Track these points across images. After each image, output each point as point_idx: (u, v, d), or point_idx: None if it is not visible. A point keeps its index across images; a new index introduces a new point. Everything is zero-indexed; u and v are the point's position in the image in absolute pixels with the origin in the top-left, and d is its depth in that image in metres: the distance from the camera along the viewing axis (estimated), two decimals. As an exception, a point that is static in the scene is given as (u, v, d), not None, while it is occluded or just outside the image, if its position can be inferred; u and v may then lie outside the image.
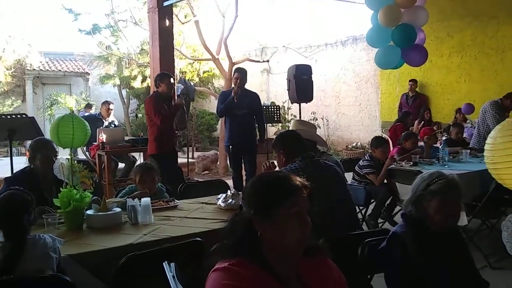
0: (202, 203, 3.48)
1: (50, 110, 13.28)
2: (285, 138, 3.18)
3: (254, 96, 6.23)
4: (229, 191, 3.43)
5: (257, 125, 6.22)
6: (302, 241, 1.46)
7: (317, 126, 11.36)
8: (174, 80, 5.66)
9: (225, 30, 10.32)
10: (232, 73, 6.08)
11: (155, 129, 5.56)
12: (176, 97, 6.16)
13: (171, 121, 5.64)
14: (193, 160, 9.68)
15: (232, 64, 10.18)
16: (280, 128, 10.55)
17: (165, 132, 5.55)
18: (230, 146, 6.04)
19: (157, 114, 5.40)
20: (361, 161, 5.23)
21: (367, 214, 4.83)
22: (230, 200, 3.24)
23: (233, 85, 6.00)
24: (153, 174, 3.58)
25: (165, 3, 6.59)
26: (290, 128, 3.94)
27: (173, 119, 5.70)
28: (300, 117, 8.35)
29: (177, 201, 3.46)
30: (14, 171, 3.72)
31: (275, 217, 1.44)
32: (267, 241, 1.46)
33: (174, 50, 7.38)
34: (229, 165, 6.46)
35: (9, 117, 4.86)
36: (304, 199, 1.48)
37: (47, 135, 3.51)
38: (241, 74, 5.98)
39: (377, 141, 5.25)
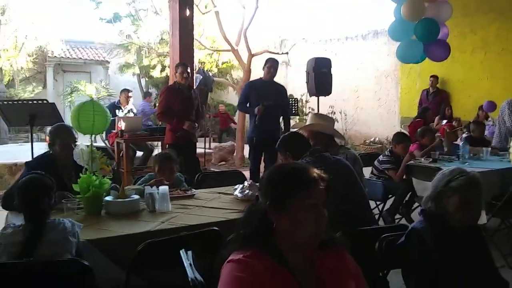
0: (219, 193, 3.48)
1: (71, 97, 13.44)
2: (288, 140, 3.22)
3: (281, 89, 6.14)
4: (246, 181, 3.43)
5: (282, 118, 6.12)
6: (317, 234, 1.44)
7: (335, 120, 11.35)
8: (187, 69, 5.61)
9: (245, 21, 10.28)
10: (264, 63, 5.97)
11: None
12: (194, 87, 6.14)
13: (187, 113, 5.64)
14: (210, 151, 9.71)
15: (251, 55, 10.15)
16: (297, 121, 10.51)
17: (182, 124, 5.57)
18: (254, 138, 5.90)
19: (159, 106, 5.64)
20: (381, 156, 5.20)
21: (384, 210, 4.80)
22: (247, 191, 3.24)
23: (265, 75, 5.87)
24: (172, 164, 3.59)
25: (186, -7, 6.59)
26: (308, 122, 3.90)
27: (191, 111, 5.70)
28: (318, 110, 8.30)
29: (194, 190, 3.48)
30: (35, 156, 3.77)
31: (289, 208, 1.43)
32: (281, 232, 1.46)
33: (194, 40, 7.38)
34: (247, 157, 6.37)
35: (30, 102, 4.93)
36: (321, 192, 1.46)
37: (67, 122, 3.55)
38: (275, 64, 5.88)
39: (399, 137, 5.21)
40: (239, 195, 3.25)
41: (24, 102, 5.09)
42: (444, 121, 8.46)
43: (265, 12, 11.74)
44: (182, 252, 1.96)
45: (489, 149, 5.40)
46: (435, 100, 9.67)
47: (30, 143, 4.74)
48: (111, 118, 3.42)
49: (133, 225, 2.62)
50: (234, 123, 12.57)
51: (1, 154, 8.11)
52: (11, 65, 13.14)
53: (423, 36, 5.62)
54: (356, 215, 2.83)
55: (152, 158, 3.87)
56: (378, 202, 4.72)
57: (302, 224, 1.42)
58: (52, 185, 2.33)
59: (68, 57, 16.56)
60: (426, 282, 2.01)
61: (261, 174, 5.80)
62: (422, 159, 5.03)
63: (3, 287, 1.99)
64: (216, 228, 2.42)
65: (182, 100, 5.57)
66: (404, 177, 5.03)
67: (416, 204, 4.99)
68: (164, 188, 2.97)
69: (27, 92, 13.89)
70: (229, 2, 11.03)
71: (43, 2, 14.38)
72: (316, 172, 1.50)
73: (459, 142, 5.85)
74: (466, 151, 5.11)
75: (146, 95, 12.20)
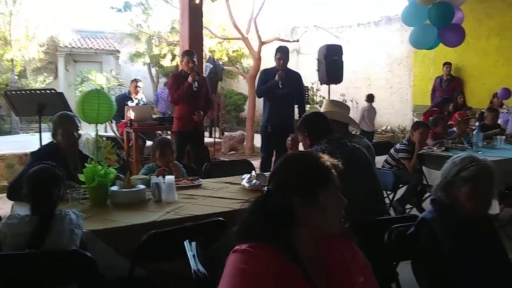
0: (226, 182, 3.45)
1: (81, 87, 13.48)
2: (309, 120, 3.10)
3: (297, 76, 6.09)
4: (253, 171, 3.38)
5: (297, 106, 6.05)
6: (342, 219, 1.46)
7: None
8: (193, 58, 5.55)
9: (255, 9, 10.19)
10: (274, 53, 5.90)
11: (178, 107, 5.61)
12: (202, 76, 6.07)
13: (195, 101, 5.59)
14: (219, 140, 9.68)
15: (261, 43, 10.06)
16: (309, 109, 10.42)
17: (188, 111, 5.54)
18: (268, 127, 5.85)
19: (171, 93, 5.61)
20: (398, 144, 5.11)
21: (394, 199, 4.73)
22: (255, 181, 3.20)
23: (276, 65, 5.83)
24: (172, 148, 3.59)
25: (196, -19, 6.51)
26: (322, 109, 3.80)
27: (198, 99, 5.65)
28: (329, 98, 8.21)
29: (201, 180, 3.44)
30: (40, 146, 3.76)
31: (320, 199, 1.41)
32: (306, 225, 1.43)
33: (204, 28, 7.32)
34: (260, 146, 6.31)
35: (38, 92, 4.92)
36: (337, 177, 1.47)
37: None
38: (284, 54, 5.83)
39: (416, 124, 5.15)
40: (246, 185, 3.21)
41: (32, 91, 5.08)
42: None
43: (276, -1, 11.63)
44: (186, 243, 1.92)
45: (504, 137, 5.29)
46: (449, 87, 9.51)
47: (39, 133, 4.73)
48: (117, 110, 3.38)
49: (138, 215, 2.60)
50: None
51: (12, 144, 8.19)
52: (22, 56, 13.18)
53: (437, 20, 5.49)
54: (370, 205, 2.76)
55: (151, 146, 3.83)
56: (388, 192, 4.65)
57: (333, 211, 1.43)
58: (62, 176, 2.31)
59: (79, 47, 16.59)
60: (437, 273, 1.96)
61: (272, 164, 5.75)
62: (435, 148, 4.94)
63: (7, 278, 1.98)
64: (222, 219, 2.38)
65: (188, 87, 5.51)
66: (418, 167, 4.95)
67: (428, 194, 4.91)
68: (170, 178, 2.94)
69: (38, 83, 13.95)
70: (239, -10, 10.93)
71: (53, -9, 14.39)
72: (327, 158, 1.50)
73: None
74: (480, 139, 5.01)
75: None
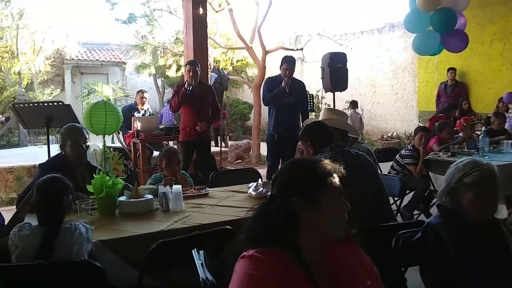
0: (233, 191, 3.46)
1: (88, 98, 13.58)
2: (311, 130, 3.14)
3: (301, 85, 6.15)
4: (260, 179, 3.40)
5: (301, 114, 6.08)
6: (345, 223, 1.48)
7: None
8: (196, 67, 5.58)
9: (258, 18, 10.25)
10: (280, 63, 5.95)
11: (183, 117, 5.69)
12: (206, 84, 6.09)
13: (200, 110, 5.62)
14: (226, 149, 9.70)
15: (265, 52, 10.11)
16: (313, 117, 10.43)
17: (192, 120, 5.58)
18: (275, 135, 5.87)
19: (172, 99, 5.68)
20: (403, 150, 5.12)
21: (402, 206, 4.72)
22: (261, 189, 3.22)
23: (282, 76, 5.85)
24: (179, 158, 3.63)
25: (199, -8, 6.58)
26: (320, 117, 3.84)
27: (203, 108, 5.68)
28: (334, 106, 8.23)
29: (208, 189, 3.46)
30: (48, 158, 3.79)
31: (321, 201, 1.45)
32: (310, 227, 1.45)
33: (208, 38, 7.37)
34: (266, 154, 6.33)
35: (46, 104, 4.97)
36: (338, 181, 1.50)
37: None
38: (290, 64, 5.87)
39: (415, 129, 5.17)
40: (253, 193, 3.22)
41: (40, 104, 5.13)
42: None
43: (279, 8, 11.69)
44: (194, 251, 1.94)
45: (510, 141, 5.27)
46: (454, 92, 9.50)
47: (47, 146, 4.77)
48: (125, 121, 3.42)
49: (146, 225, 2.62)
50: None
51: (20, 156, 8.24)
52: (29, 69, 13.32)
53: (439, 27, 5.50)
54: (375, 211, 2.77)
55: (158, 156, 3.87)
56: (396, 198, 4.65)
57: (334, 214, 1.46)
58: (71, 187, 2.33)
59: (86, 59, 16.76)
60: (443, 278, 1.96)
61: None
62: (441, 153, 4.94)
63: (17, 288, 2.00)
64: (229, 227, 2.39)
65: (191, 96, 5.54)
66: (425, 172, 4.95)
67: (435, 200, 4.90)
68: (177, 187, 2.96)
69: (46, 95, 14.06)
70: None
71: (59, 5, 14.56)
72: (328, 162, 1.53)
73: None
74: (486, 144, 4.99)
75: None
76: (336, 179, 1.49)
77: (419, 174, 4.85)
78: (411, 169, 4.88)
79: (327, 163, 1.53)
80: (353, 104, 10.14)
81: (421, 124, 8.33)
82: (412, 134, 5.48)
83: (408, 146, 5.21)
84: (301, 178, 1.50)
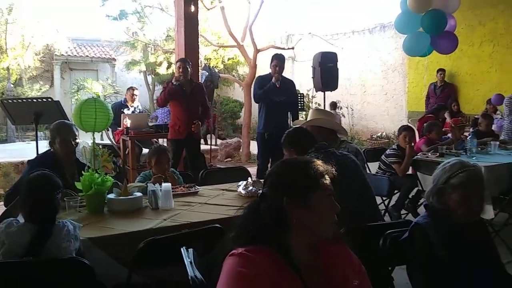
0: (223, 189, 3.47)
1: (77, 95, 13.48)
2: (292, 136, 3.18)
3: (292, 84, 6.18)
4: (249, 178, 3.41)
5: (290, 113, 6.10)
6: (335, 223, 1.49)
7: (341, 115, 11.29)
8: (186, 65, 5.56)
9: (250, 16, 10.25)
10: (270, 60, 5.96)
11: (172, 115, 5.69)
12: (197, 83, 6.08)
13: (190, 108, 5.61)
14: (216, 147, 9.69)
15: (257, 51, 10.11)
16: (304, 116, 10.45)
17: (182, 118, 5.57)
18: (265, 134, 5.88)
19: (160, 95, 5.68)
20: (388, 150, 5.16)
21: (390, 205, 4.76)
22: (251, 187, 3.22)
23: (272, 73, 5.87)
24: (168, 156, 3.62)
25: (191, -11, 6.56)
26: (309, 117, 3.86)
27: (194, 106, 5.67)
28: (324, 106, 8.27)
29: (198, 187, 3.46)
30: (37, 155, 3.76)
31: (311, 201, 1.46)
32: (301, 227, 1.46)
33: (199, 36, 7.35)
34: (256, 152, 6.33)
35: (35, 100, 4.93)
36: (329, 182, 1.51)
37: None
38: (280, 61, 5.88)
39: (400, 128, 5.20)
40: (243, 191, 3.23)
41: (29, 100, 5.08)
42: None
43: (271, 7, 11.69)
44: (183, 249, 1.94)
45: (497, 143, 5.34)
46: (443, 94, 9.57)
47: (35, 142, 4.74)
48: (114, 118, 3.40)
49: (135, 222, 2.61)
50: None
51: (8, 152, 8.18)
52: (18, 64, 13.20)
53: (430, 28, 5.54)
54: (362, 211, 2.79)
55: (148, 153, 3.86)
56: (384, 198, 4.68)
57: (324, 214, 1.47)
58: (60, 184, 2.31)
59: (75, 55, 16.61)
60: (430, 278, 1.98)
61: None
62: (429, 154, 4.98)
63: (4, 286, 1.98)
64: (219, 226, 2.40)
65: (181, 95, 5.54)
66: (411, 171, 4.99)
67: (423, 199, 4.94)
68: (167, 185, 2.95)
69: (35, 91, 13.94)
70: (234, -3, 11.00)
71: (49, 0, 14.43)
72: (321, 164, 1.54)
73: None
74: (474, 145, 5.05)
75: None
76: (327, 180, 1.51)
77: (403, 173, 4.90)
78: (395, 168, 4.92)
79: (319, 164, 1.54)
80: (333, 105, 10.25)
81: (410, 125, 8.39)
82: (400, 134, 5.51)
83: (393, 145, 5.25)
84: (293, 178, 1.50)
